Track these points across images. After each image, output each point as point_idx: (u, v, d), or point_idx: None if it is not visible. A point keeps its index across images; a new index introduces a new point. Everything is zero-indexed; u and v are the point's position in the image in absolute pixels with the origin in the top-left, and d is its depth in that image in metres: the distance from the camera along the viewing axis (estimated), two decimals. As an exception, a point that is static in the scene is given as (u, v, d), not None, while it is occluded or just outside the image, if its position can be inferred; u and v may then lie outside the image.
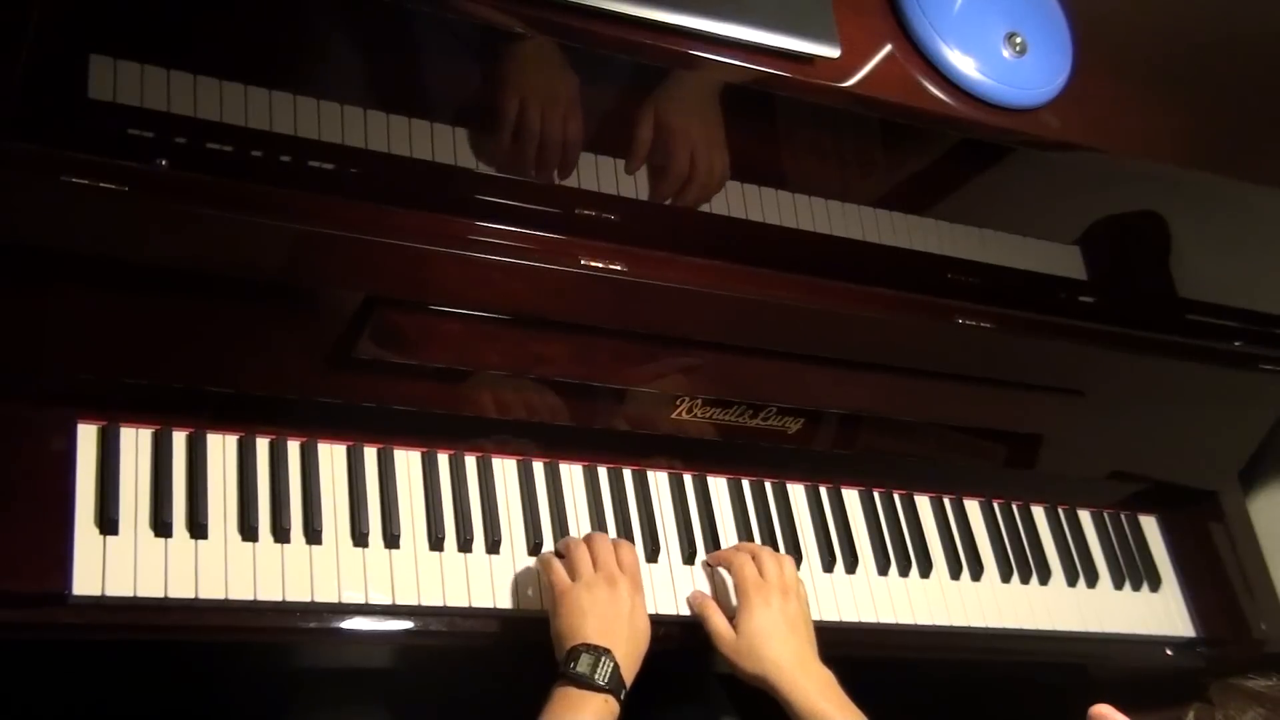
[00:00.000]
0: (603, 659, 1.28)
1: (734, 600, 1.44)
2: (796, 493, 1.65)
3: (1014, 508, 1.80)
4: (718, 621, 1.42)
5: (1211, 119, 1.56)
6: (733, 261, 1.47)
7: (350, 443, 1.43)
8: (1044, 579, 1.76)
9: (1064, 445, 1.75)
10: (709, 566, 1.53)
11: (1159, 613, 1.83)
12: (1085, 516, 1.85)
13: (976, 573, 1.71)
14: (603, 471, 1.55)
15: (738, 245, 1.47)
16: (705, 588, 1.52)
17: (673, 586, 1.52)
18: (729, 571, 1.48)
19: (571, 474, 1.54)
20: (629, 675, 1.31)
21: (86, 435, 1.31)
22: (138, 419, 1.34)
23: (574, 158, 1.36)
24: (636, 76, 1.32)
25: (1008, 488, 1.80)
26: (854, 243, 1.52)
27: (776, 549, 1.58)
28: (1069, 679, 1.81)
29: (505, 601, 1.43)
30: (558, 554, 1.43)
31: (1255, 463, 1.92)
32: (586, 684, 1.26)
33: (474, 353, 1.40)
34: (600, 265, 1.39)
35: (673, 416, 1.53)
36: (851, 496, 1.69)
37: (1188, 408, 1.77)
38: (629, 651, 1.32)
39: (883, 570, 1.65)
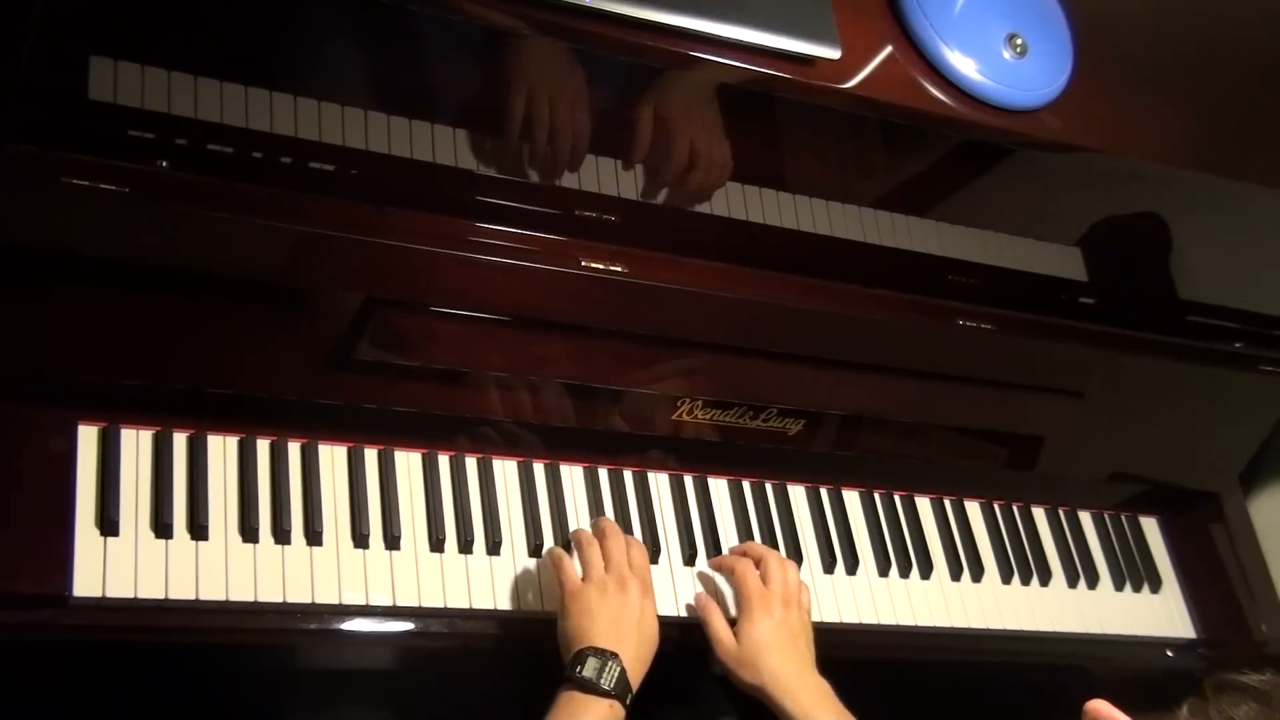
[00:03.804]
0: (609, 663, 1.27)
1: (734, 610, 1.44)
2: (797, 494, 1.65)
3: (1015, 509, 1.80)
4: (720, 628, 1.42)
5: (1211, 119, 1.56)
6: (733, 263, 1.48)
7: (351, 444, 1.43)
8: (1045, 580, 1.76)
9: (1065, 447, 1.75)
10: (713, 569, 1.53)
11: (1159, 614, 1.83)
12: (1086, 518, 1.85)
13: (977, 574, 1.71)
14: (603, 473, 1.55)
15: (738, 247, 1.47)
16: (707, 589, 1.52)
17: (673, 588, 1.51)
18: (732, 577, 1.47)
19: (572, 475, 1.54)
20: (635, 680, 1.30)
21: (87, 436, 1.31)
22: (138, 420, 1.34)
23: (581, 156, 1.36)
24: (637, 77, 1.33)
25: (1008, 489, 1.80)
26: (855, 244, 1.52)
27: (777, 550, 1.58)
28: (1069, 680, 1.81)
29: (506, 603, 1.42)
30: (568, 546, 1.42)
31: (1255, 464, 1.92)
32: (592, 689, 1.26)
33: (474, 354, 1.40)
34: (601, 266, 1.39)
35: (673, 418, 1.53)
36: (852, 498, 1.69)
37: (1188, 409, 1.77)
38: (637, 656, 1.32)
39: (883, 571, 1.65)
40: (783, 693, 1.35)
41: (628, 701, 1.28)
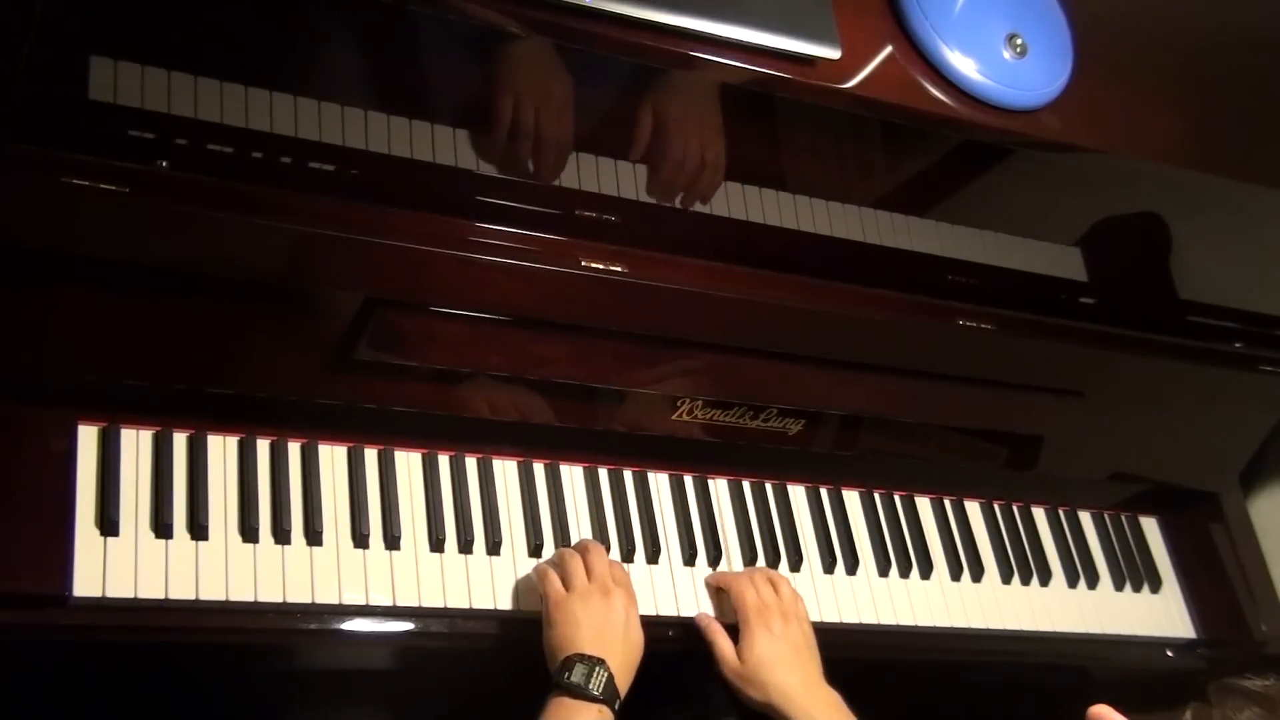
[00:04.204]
0: (597, 669, 1.27)
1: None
2: (797, 494, 1.65)
3: (1015, 509, 1.80)
4: (725, 647, 1.42)
5: (1211, 119, 1.56)
6: (733, 263, 1.47)
7: (351, 444, 1.43)
8: (1045, 580, 1.76)
9: (1065, 446, 1.75)
10: (711, 587, 1.52)
11: (1159, 614, 1.83)
12: (1086, 518, 1.85)
13: (977, 574, 1.71)
14: (603, 473, 1.55)
15: (738, 246, 1.47)
16: (705, 593, 1.52)
17: (673, 588, 1.51)
18: (730, 594, 1.47)
19: (572, 475, 1.54)
20: (623, 685, 1.31)
21: (87, 436, 1.31)
22: (138, 420, 1.34)
23: (566, 155, 1.36)
24: (637, 77, 1.32)
25: (1008, 489, 1.80)
26: (854, 244, 1.52)
27: (777, 551, 1.59)
28: (1069, 680, 1.81)
29: (506, 603, 1.42)
30: (552, 564, 1.43)
31: (1255, 464, 1.92)
32: (581, 694, 1.26)
33: (475, 354, 1.40)
34: (601, 266, 1.39)
35: (673, 418, 1.53)
36: (852, 498, 1.69)
37: (1188, 409, 1.77)
38: (623, 662, 1.32)
39: (883, 571, 1.65)
40: (793, 708, 1.35)
41: (616, 707, 1.28)
